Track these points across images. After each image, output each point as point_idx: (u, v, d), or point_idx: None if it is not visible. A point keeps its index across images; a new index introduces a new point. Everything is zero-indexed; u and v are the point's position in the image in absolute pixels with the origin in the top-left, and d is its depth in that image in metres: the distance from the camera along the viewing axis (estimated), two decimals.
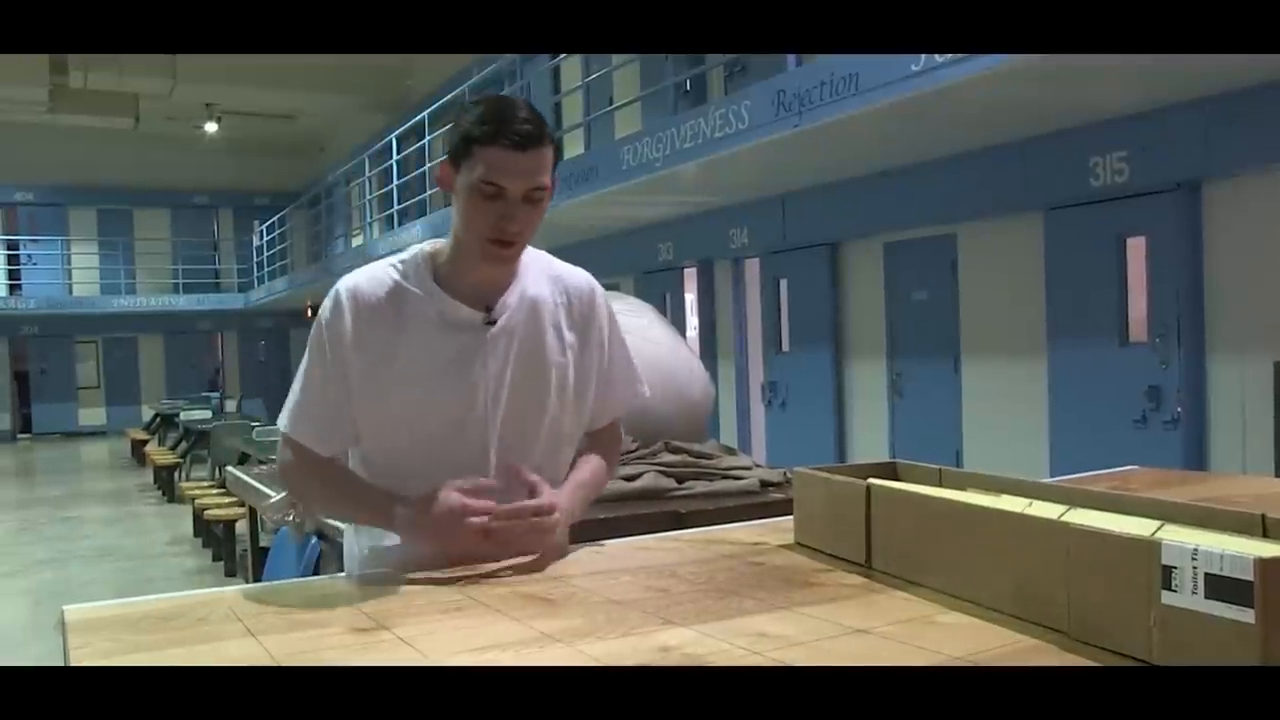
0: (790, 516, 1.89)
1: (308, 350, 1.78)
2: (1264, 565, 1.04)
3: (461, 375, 1.73)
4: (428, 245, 1.80)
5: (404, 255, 1.79)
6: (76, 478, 14.68)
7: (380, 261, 1.80)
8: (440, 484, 1.67)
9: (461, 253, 1.74)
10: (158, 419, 16.22)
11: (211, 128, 19.55)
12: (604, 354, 1.88)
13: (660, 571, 1.69)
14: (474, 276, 1.75)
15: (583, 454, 1.91)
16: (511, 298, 1.77)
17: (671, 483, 3.23)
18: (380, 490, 1.75)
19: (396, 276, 1.75)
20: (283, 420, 1.81)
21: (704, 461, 3.44)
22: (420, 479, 1.70)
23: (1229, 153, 5.21)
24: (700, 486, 3.25)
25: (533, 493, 1.71)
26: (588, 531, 1.95)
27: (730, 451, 3.73)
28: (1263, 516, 1.34)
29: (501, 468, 1.73)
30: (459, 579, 1.62)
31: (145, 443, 15.06)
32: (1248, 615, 1.04)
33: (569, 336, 1.83)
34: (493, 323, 1.75)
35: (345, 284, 1.76)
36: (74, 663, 1.28)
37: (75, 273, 22.39)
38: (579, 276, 1.88)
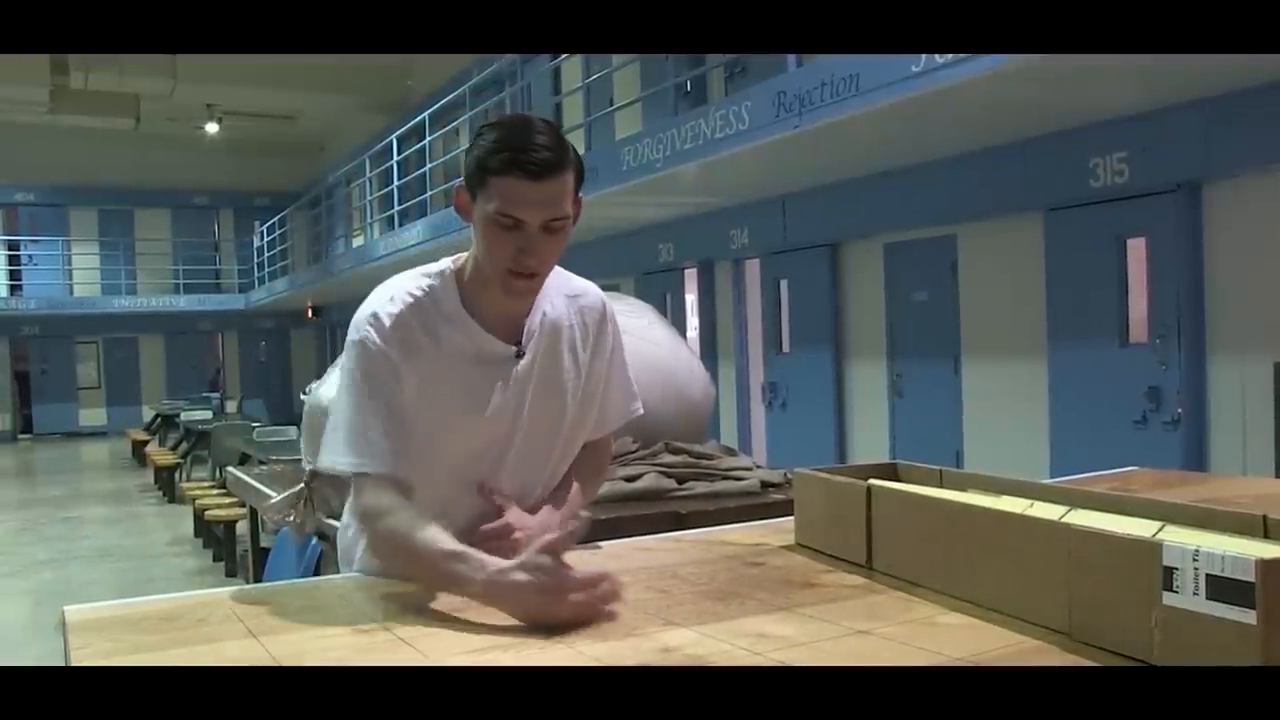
0: (791, 517, 1.89)
1: (353, 381, 1.67)
2: (1265, 566, 1.04)
3: (489, 404, 1.72)
4: (450, 263, 1.75)
5: (430, 278, 1.73)
6: (77, 478, 14.68)
7: (408, 282, 1.72)
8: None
9: (483, 277, 1.69)
10: (158, 419, 16.23)
11: (212, 128, 19.56)
12: (607, 371, 1.88)
13: (661, 572, 1.69)
14: (497, 301, 1.71)
15: (571, 470, 1.88)
16: (534, 322, 1.76)
17: (672, 483, 3.23)
18: (456, 552, 1.53)
19: (428, 303, 1.70)
20: (347, 459, 1.65)
21: (704, 462, 3.44)
22: (432, 497, 1.68)
23: (1229, 153, 5.21)
24: (701, 487, 3.25)
25: (500, 515, 1.71)
26: (588, 532, 1.95)
27: (731, 452, 3.73)
28: (1264, 517, 1.34)
29: (480, 490, 1.70)
30: None
31: (146, 443, 15.06)
32: (1249, 616, 1.04)
33: (582, 356, 1.82)
34: (522, 355, 1.74)
35: (386, 310, 1.68)
36: (74, 663, 1.28)
37: (76, 273, 22.39)
38: (592, 295, 1.86)
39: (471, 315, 1.71)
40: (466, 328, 1.71)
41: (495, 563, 1.47)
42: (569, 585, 1.42)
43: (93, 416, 21.81)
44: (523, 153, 1.57)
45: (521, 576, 1.42)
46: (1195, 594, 1.09)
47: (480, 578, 1.46)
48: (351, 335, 1.70)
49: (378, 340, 1.66)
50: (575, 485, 1.87)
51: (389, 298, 1.70)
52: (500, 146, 1.59)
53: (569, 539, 1.50)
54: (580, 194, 1.68)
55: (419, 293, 1.71)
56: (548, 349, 1.77)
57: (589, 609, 1.42)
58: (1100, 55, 3.76)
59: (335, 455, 1.67)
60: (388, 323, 1.67)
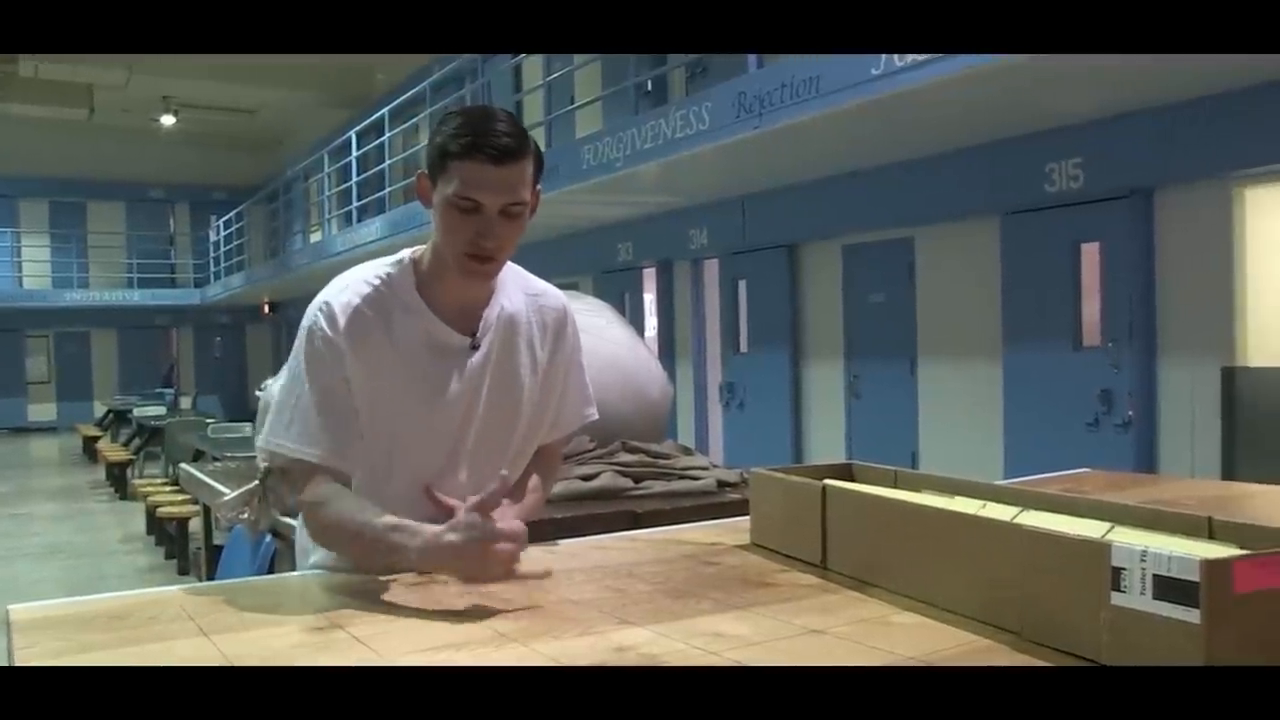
0: (747, 517, 1.90)
1: (299, 367, 1.69)
2: (1209, 567, 1.06)
3: (442, 394, 1.72)
4: (410, 254, 1.76)
5: (389, 267, 1.74)
6: (25, 474, 14.42)
7: (366, 271, 1.74)
8: (458, 511, 1.57)
9: (441, 266, 1.70)
10: (110, 415, 16.00)
11: (168, 121, 19.29)
12: (565, 373, 1.88)
13: (616, 571, 1.69)
14: (454, 290, 1.72)
15: (525, 472, 1.87)
16: (491, 314, 1.76)
17: (628, 482, 3.23)
18: (393, 524, 1.60)
19: (385, 291, 1.71)
20: (290, 445, 1.67)
21: (661, 461, 3.44)
22: (389, 492, 1.69)
23: (1181, 161, 5.29)
24: (657, 486, 3.25)
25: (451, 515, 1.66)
26: (544, 531, 1.95)
27: (687, 452, 3.73)
28: (1209, 519, 1.37)
29: (427, 493, 1.70)
30: (414, 581, 1.62)
31: (97, 439, 14.84)
32: (1193, 615, 1.06)
33: (539, 354, 1.82)
34: (476, 347, 1.74)
35: (338, 299, 1.69)
36: (19, 663, 1.26)
37: (26, 265, 22.01)
38: (553, 296, 1.87)
39: (428, 304, 1.72)
40: (421, 316, 1.71)
41: (429, 528, 1.55)
42: (497, 539, 1.51)
43: (42, 411, 21.46)
44: (484, 137, 1.60)
45: (453, 537, 1.50)
46: (1143, 594, 1.11)
47: (415, 544, 1.54)
48: (303, 323, 1.71)
49: (325, 329, 1.68)
50: (533, 482, 1.86)
51: (342, 286, 1.72)
52: (462, 131, 1.61)
53: (494, 498, 1.55)
54: (539, 187, 1.70)
55: (375, 281, 1.72)
56: (504, 342, 1.77)
57: (514, 560, 1.53)
58: (1063, 56, 3.80)
59: (278, 438, 1.69)
60: (338, 311, 1.68)
